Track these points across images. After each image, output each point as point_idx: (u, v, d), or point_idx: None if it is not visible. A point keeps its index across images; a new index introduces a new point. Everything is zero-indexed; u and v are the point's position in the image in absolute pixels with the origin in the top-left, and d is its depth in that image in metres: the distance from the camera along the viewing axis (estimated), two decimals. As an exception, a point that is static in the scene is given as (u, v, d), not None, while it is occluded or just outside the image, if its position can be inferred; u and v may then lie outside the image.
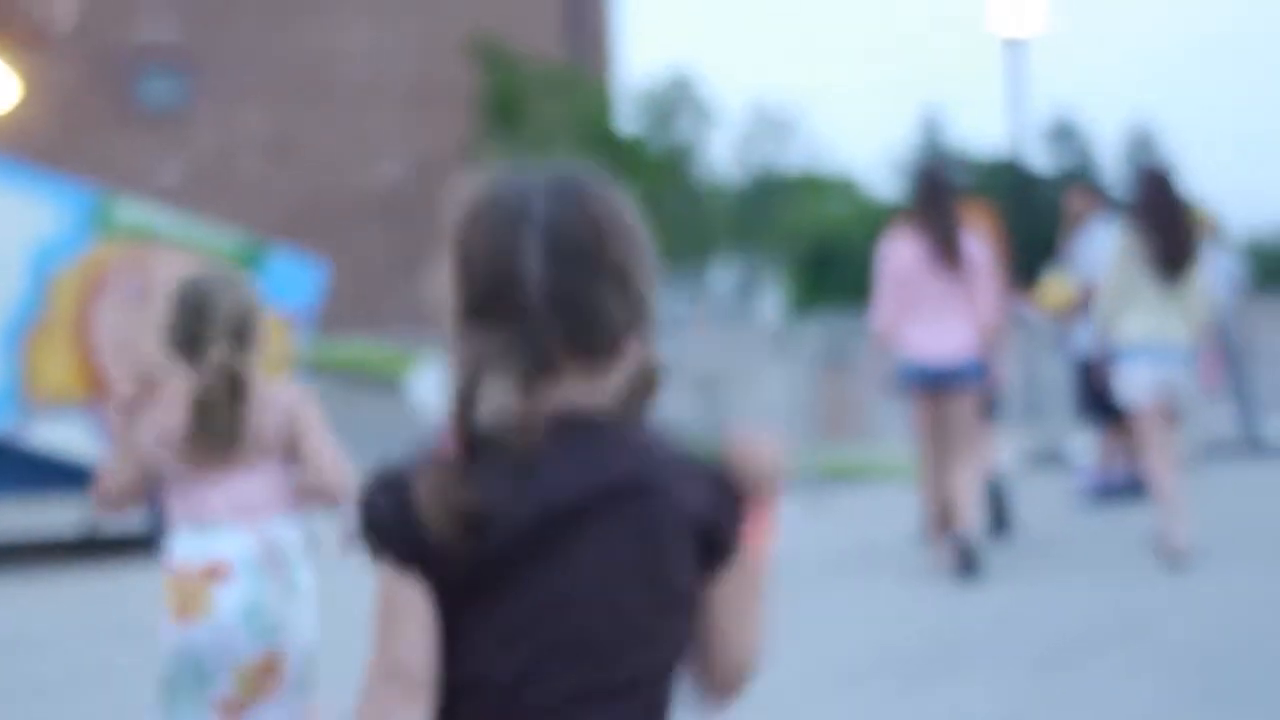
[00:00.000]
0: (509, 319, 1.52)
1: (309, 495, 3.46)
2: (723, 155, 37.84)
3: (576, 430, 1.54)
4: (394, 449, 1.60)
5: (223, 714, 3.34)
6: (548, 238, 1.54)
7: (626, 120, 33.16)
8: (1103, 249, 8.35)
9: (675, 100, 33.92)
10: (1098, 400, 8.71)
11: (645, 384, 1.58)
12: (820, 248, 43.09)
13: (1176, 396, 7.08)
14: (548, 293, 1.52)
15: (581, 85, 30.38)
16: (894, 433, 10.65)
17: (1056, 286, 9.59)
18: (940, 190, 7.17)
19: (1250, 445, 12.02)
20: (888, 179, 47.60)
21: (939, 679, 5.13)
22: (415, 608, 1.51)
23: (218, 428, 3.34)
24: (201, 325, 3.37)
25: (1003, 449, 9.92)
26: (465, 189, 1.61)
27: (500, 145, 30.41)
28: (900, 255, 7.08)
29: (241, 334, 3.41)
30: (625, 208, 1.62)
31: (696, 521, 1.55)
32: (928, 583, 6.79)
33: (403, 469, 1.54)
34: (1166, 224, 7.01)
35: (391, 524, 1.52)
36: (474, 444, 1.50)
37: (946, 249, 6.97)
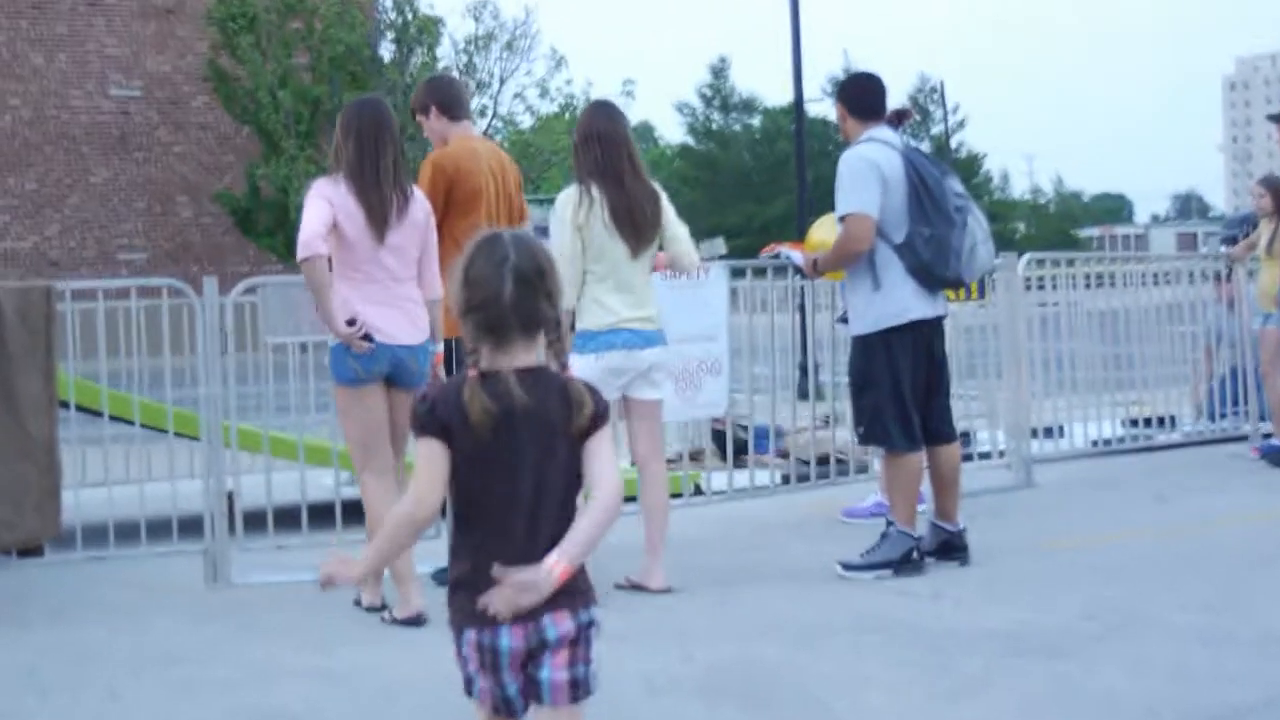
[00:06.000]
0: (490, 313, 2.75)
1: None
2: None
3: (524, 373, 2.79)
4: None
5: None
6: (515, 273, 2.75)
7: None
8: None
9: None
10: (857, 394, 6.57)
11: (558, 349, 2.82)
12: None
13: (650, 383, 6.15)
14: (513, 304, 2.74)
15: (326, 3, 28.55)
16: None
17: (821, 228, 7.28)
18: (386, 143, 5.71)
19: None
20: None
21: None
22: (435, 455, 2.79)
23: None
24: None
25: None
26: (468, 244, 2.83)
27: (240, 65, 28.53)
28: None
29: None
30: (548, 252, 2.81)
31: (570, 414, 2.80)
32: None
33: (451, 384, 2.79)
34: (623, 182, 6.03)
35: (440, 410, 2.78)
36: (482, 376, 2.76)
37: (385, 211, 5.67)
